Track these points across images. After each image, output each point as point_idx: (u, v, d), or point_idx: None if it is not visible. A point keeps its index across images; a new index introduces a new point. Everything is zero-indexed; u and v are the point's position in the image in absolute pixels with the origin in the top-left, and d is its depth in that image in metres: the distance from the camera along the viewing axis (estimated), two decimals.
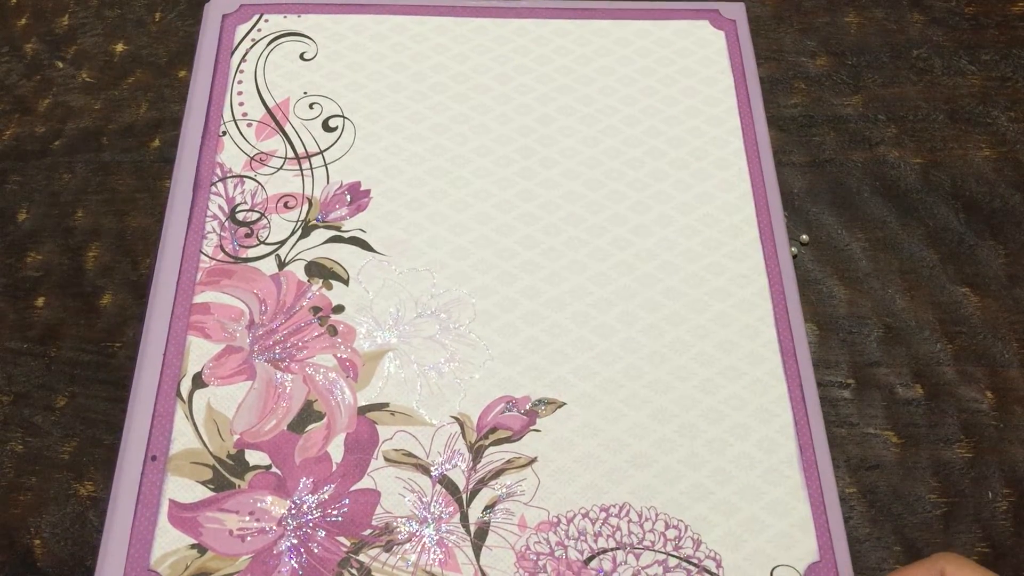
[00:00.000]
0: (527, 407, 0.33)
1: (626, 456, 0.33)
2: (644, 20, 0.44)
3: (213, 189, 0.38)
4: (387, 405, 0.33)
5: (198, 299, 0.35)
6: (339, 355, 0.34)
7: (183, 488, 0.31)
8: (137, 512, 0.30)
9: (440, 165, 0.38)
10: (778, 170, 0.48)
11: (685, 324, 0.35)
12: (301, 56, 0.42)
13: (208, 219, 0.37)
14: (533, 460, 0.32)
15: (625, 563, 0.30)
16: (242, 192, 0.38)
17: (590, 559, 0.31)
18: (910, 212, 0.48)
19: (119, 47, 0.58)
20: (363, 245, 0.36)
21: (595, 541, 0.31)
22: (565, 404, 0.33)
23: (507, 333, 0.34)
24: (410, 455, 0.32)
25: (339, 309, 0.35)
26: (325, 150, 0.39)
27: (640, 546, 0.31)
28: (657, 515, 0.32)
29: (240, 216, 0.37)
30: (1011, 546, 0.40)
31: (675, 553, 0.31)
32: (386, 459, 0.32)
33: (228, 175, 0.38)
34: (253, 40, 0.42)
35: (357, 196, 0.38)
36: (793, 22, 0.55)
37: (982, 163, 0.49)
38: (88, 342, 0.46)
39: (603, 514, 0.31)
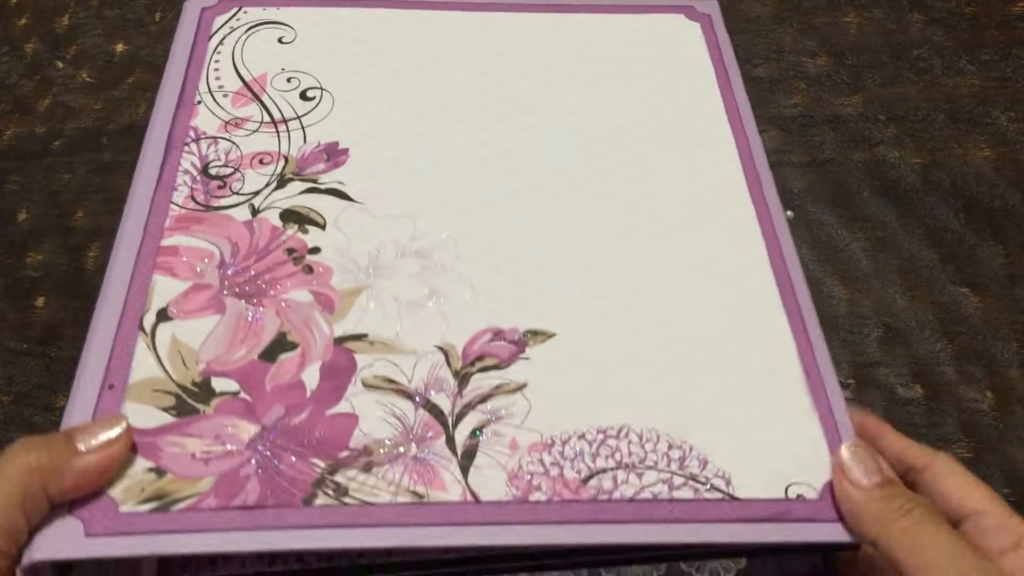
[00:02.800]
0: (516, 338, 0.32)
1: (622, 382, 0.32)
2: (619, 13, 0.44)
3: (186, 149, 0.37)
4: (366, 336, 0.32)
5: (166, 242, 0.34)
6: (315, 291, 0.33)
7: (143, 414, 0.29)
8: None
9: (420, 128, 0.38)
10: (778, 170, 0.48)
11: (678, 261, 0.35)
12: (279, 40, 0.41)
13: (180, 174, 0.36)
14: (523, 385, 0.31)
15: (627, 483, 0.29)
16: (216, 151, 0.37)
17: (588, 478, 0.29)
18: (910, 212, 0.48)
19: (119, 47, 0.58)
20: (341, 196, 0.36)
21: (593, 461, 0.30)
22: (555, 335, 0.32)
23: (492, 272, 0.34)
24: (391, 381, 0.31)
25: (315, 251, 0.34)
26: (303, 115, 0.38)
27: (642, 466, 0.30)
28: (659, 436, 0.30)
29: (213, 171, 0.36)
30: None
31: (681, 472, 0.30)
32: (364, 384, 0.30)
33: (202, 136, 0.37)
34: (232, 28, 0.42)
35: (335, 154, 0.37)
36: (793, 22, 0.55)
37: (982, 163, 0.49)
38: None
39: (600, 436, 0.30)
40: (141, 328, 0.31)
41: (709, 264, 0.35)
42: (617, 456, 0.30)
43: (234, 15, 0.42)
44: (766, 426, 0.31)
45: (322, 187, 0.36)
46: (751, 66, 0.54)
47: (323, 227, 0.34)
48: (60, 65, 0.58)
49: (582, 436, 0.30)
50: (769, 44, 0.54)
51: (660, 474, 0.30)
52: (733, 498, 0.29)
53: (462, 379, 0.31)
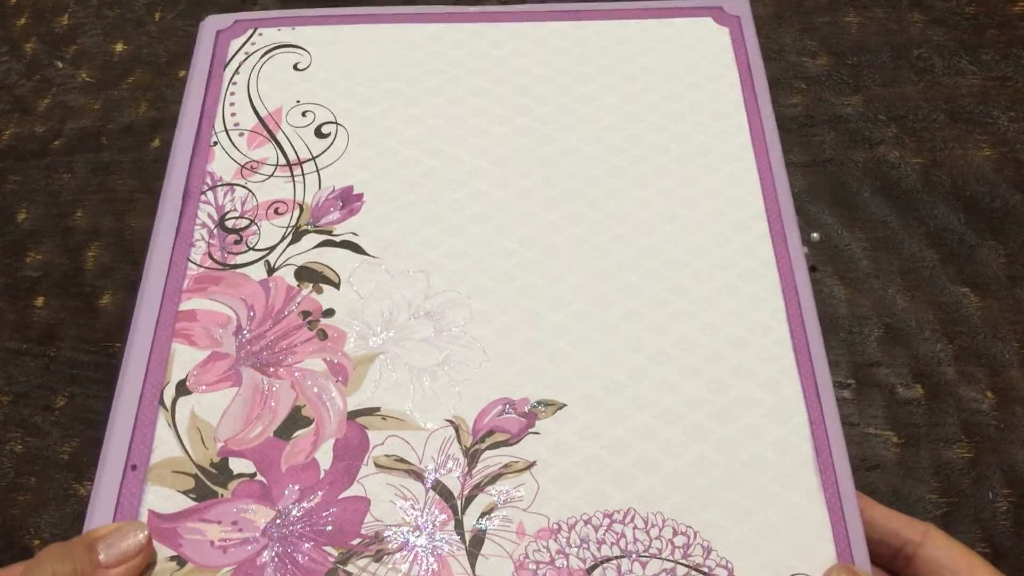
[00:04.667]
0: (526, 409, 0.32)
1: (631, 459, 0.31)
2: (645, 19, 0.43)
3: (203, 198, 0.37)
4: (378, 409, 0.32)
5: (184, 306, 0.34)
6: (328, 359, 0.33)
7: (164, 498, 0.29)
8: (116, 520, 0.29)
9: (435, 167, 0.38)
10: None
11: (692, 321, 0.34)
12: (295, 67, 0.41)
13: (197, 227, 0.36)
14: (532, 464, 0.31)
15: (631, 572, 0.29)
16: (232, 200, 0.37)
17: (593, 568, 0.29)
18: (910, 212, 0.48)
19: (119, 47, 0.58)
20: (355, 248, 0.35)
21: (598, 549, 0.29)
22: (565, 405, 0.32)
23: (504, 333, 0.33)
24: (402, 460, 0.30)
25: (329, 313, 0.34)
26: (317, 156, 0.38)
27: (646, 554, 0.29)
28: (664, 521, 0.30)
29: (229, 224, 0.36)
30: (1011, 546, 0.40)
31: (684, 561, 0.29)
32: (377, 465, 0.30)
33: (218, 183, 0.37)
34: (247, 53, 0.41)
35: (349, 200, 0.37)
36: (794, 22, 0.55)
37: (982, 163, 0.49)
38: (87, 342, 0.46)
39: (607, 520, 0.30)
40: (162, 403, 0.31)
41: (723, 330, 0.34)
42: (622, 543, 0.30)
43: (249, 38, 0.42)
44: (771, 508, 0.31)
45: (336, 239, 0.35)
46: None
47: (337, 286, 0.34)
48: (60, 65, 0.58)
49: (588, 521, 0.30)
50: (769, 44, 0.54)
51: (664, 564, 0.29)
52: None
53: (472, 456, 0.31)
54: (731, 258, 0.36)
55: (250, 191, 0.37)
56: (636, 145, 0.39)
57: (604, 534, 0.30)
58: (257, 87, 0.40)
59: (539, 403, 0.32)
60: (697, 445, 0.32)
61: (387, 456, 0.31)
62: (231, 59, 0.41)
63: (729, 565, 0.30)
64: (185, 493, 0.29)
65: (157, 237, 0.35)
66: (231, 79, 0.40)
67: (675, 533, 0.30)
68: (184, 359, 0.32)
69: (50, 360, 0.46)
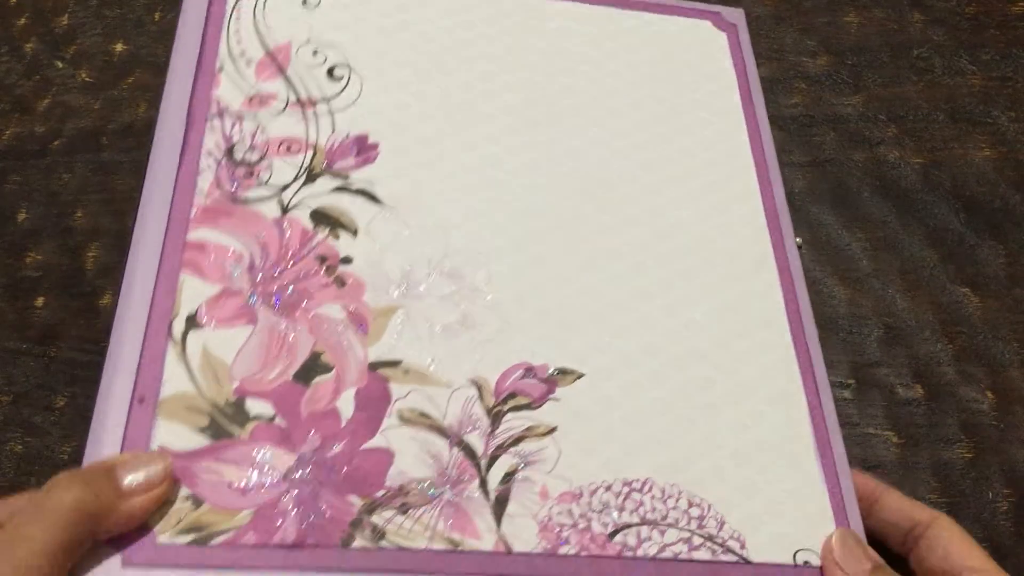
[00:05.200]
0: (546, 375, 0.32)
1: (647, 431, 0.32)
2: (649, 12, 0.43)
3: (208, 125, 0.34)
4: (400, 363, 0.31)
5: (192, 236, 0.31)
6: (348, 307, 0.31)
7: (176, 434, 0.27)
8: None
9: (449, 127, 0.37)
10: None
11: (699, 306, 0.35)
12: (303, 3, 0.38)
13: (204, 156, 0.33)
14: (553, 429, 0.31)
15: (650, 539, 0.30)
16: (240, 132, 0.34)
17: (614, 533, 0.29)
18: (910, 212, 0.48)
19: (119, 47, 0.58)
20: (371, 198, 0.34)
21: (619, 515, 0.30)
22: (583, 375, 0.32)
23: (523, 299, 0.33)
24: (425, 416, 0.30)
25: (347, 260, 0.32)
26: (330, 99, 0.36)
27: (664, 523, 0.30)
28: (680, 493, 0.31)
29: (238, 156, 0.33)
30: (1011, 546, 0.40)
31: (699, 532, 0.30)
32: (400, 418, 0.30)
33: (225, 111, 0.34)
34: None
35: (364, 149, 0.35)
36: (793, 22, 0.55)
37: (982, 163, 0.49)
38: (88, 342, 0.46)
39: (626, 488, 0.30)
40: (170, 335, 0.29)
41: (727, 313, 0.35)
42: (641, 511, 0.30)
43: None
44: (778, 488, 0.32)
45: (352, 187, 0.34)
46: None
47: (354, 234, 0.33)
48: (59, 65, 0.58)
49: (608, 488, 0.30)
50: (769, 44, 0.54)
51: (680, 532, 0.30)
52: (747, 561, 0.30)
53: (495, 417, 0.30)
54: (733, 248, 0.37)
55: (260, 124, 0.34)
56: (641, 132, 0.39)
57: (624, 501, 0.30)
58: (264, 18, 0.38)
59: (558, 371, 0.32)
60: (708, 423, 0.32)
61: (411, 410, 0.30)
62: None
63: (741, 538, 0.30)
64: (200, 431, 0.28)
65: (157, 163, 0.32)
66: (234, 6, 0.37)
67: (690, 505, 0.31)
68: (193, 292, 0.30)
69: (50, 360, 0.46)
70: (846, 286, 0.46)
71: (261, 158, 0.34)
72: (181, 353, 0.29)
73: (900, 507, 0.34)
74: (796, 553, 0.31)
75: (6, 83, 0.57)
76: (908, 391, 0.43)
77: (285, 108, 0.35)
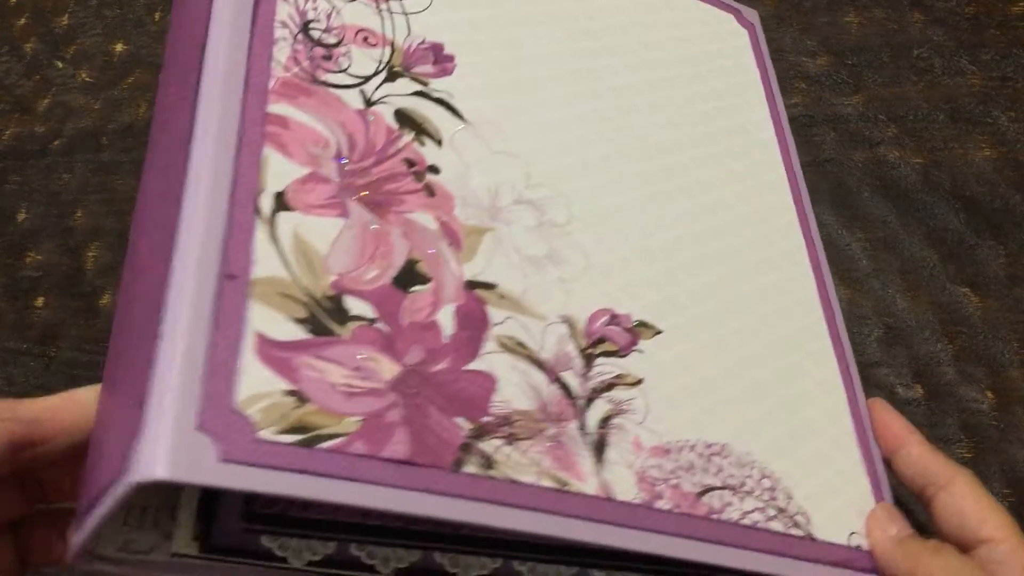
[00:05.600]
0: (630, 325, 0.31)
1: (722, 396, 0.31)
2: None
3: None
4: (496, 286, 0.28)
5: (273, 109, 0.27)
6: (440, 218, 0.29)
7: (272, 322, 0.24)
8: (215, 339, 0.22)
9: (526, 55, 0.35)
10: None
11: (744, 288, 0.35)
12: None
13: (277, 26, 0.29)
14: (640, 381, 0.30)
15: (731, 504, 0.29)
16: (315, 9, 0.31)
17: (702, 494, 0.29)
18: (910, 212, 0.48)
19: (119, 47, 0.58)
20: (452, 111, 0.31)
21: (704, 476, 0.29)
22: (662, 332, 0.31)
23: (603, 245, 0.32)
24: (523, 346, 0.28)
25: (434, 170, 0.30)
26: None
27: (743, 490, 0.30)
28: (754, 462, 0.31)
29: (315, 35, 0.30)
30: None
31: (772, 503, 0.30)
32: (500, 344, 0.27)
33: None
34: None
35: (441, 58, 0.32)
36: (793, 22, 0.55)
37: (982, 163, 0.49)
38: (88, 342, 0.46)
39: (707, 451, 0.30)
40: (257, 212, 0.25)
41: (769, 296, 0.36)
42: (722, 476, 0.30)
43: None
44: (829, 469, 0.32)
45: (432, 94, 0.31)
46: None
47: (439, 143, 0.30)
48: (60, 65, 0.58)
49: (692, 448, 0.30)
50: (770, 43, 0.54)
51: (756, 501, 0.30)
52: (813, 539, 0.30)
53: (587, 359, 0.29)
54: (767, 236, 0.37)
55: (335, 7, 0.31)
56: (677, 111, 0.39)
57: (707, 464, 0.30)
58: None
59: (639, 323, 0.31)
60: (770, 399, 0.32)
61: (508, 338, 0.28)
62: None
63: (807, 514, 0.30)
64: (297, 322, 0.24)
65: (222, 30, 0.28)
66: None
67: (763, 476, 0.30)
68: (279, 169, 0.27)
69: (50, 360, 0.46)
70: (846, 286, 0.46)
71: (339, 42, 0.30)
72: (271, 233, 0.25)
73: (919, 461, 0.32)
74: (851, 535, 0.31)
75: (6, 83, 0.57)
76: (908, 391, 0.43)
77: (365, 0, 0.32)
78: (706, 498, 0.29)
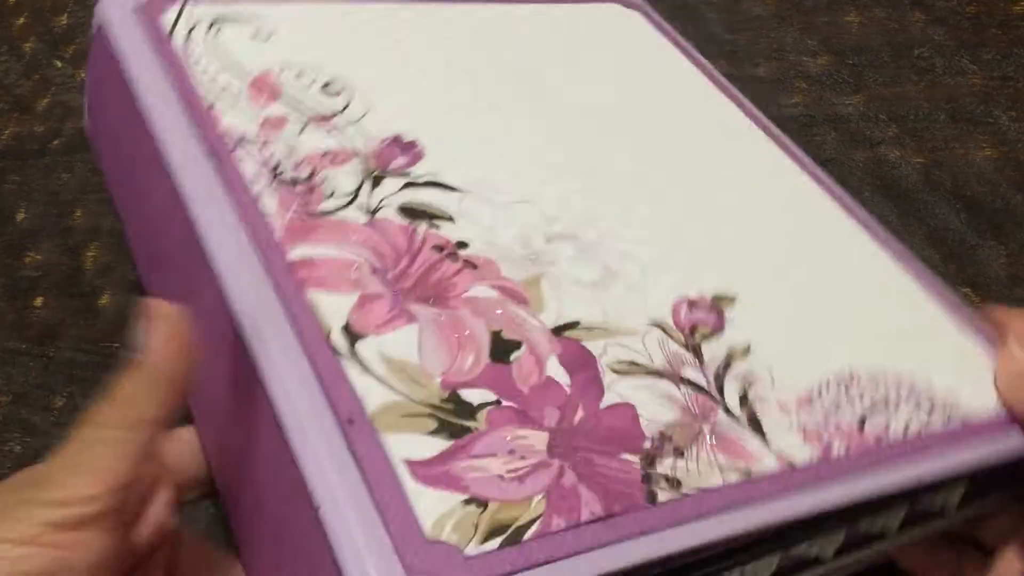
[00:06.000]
0: (708, 304, 0.31)
1: (820, 329, 0.32)
2: (552, 2, 0.43)
3: (235, 155, 0.30)
4: (578, 323, 0.29)
5: (293, 255, 0.27)
6: (496, 285, 0.29)
7: (412, 445, 0.24)
8: (372, 486, 0.22)
9: (471, 117, 0.36)
10: None
11: (777, 226, 0.37)
12: (254, 37, 0.36)
13: (249, 185, 0.30)
14: (748, 347, 0.30)
15: (890, 424, 0.29)
16: (271, 154, 0.31)
17: (862, 423, 0.29)
18: (911, 212, 0.48)
19: None
20: (446, 187, 0.32)
21: (852, 409, 0.29)
22: (736, 297, 0.32)
23: (641, 244, 0.32)
24: (635, 364, 0.28)
25: (463, 245, 0.30)
26: (342, 111, 0.33)
27: (891, 404, 0.30)
28: (885, 373, 0.31)
29: (287, 176, 0.30)
30: None
31: (920, 406, 0.30)
32: (614, 372, 0.28)
33: (243, 139, 0.31)
34: (188, 25, 0.35)
35: (406, 148, 0.33)
36: (794, 21, 0.55)
37: (983, 163, 0.49)
38: (87, 342, 0.46)
39: (841, 384, 0.30)
40: (336, 352, 0.26)
41: (798, 224, 0.37)
42: (865, 400, 0.30)
43: (179, 14, 0.35)
44: (947, 356, 0.33)
45: (419, 181, 0.32)
46: (752, 65, 0.54)
47: (452, 220, 0.31)
48: (59, 64, 0.57)
49: (827, 386, 0.30)
50: (770, 43, 0.54)
51: (907, 409, 0.30)
52: (969, 423, 0.30)
53: (694, 351, 0.29)
54: (778, 185, 0.39)
55: (288, 145, 0.31)
56: (635, 108, 0.40)
57: (846, 394, 0.30)
58: (224, 53, 0.34)
59: (714, 297, 0.32)
60: (859, 314, 0.33)
61: (618, 363, 0.28)
62: (171, 32, 0.34)
63: (954, 402, 0.31)
64: (433, 434, 0.24)
65: (203, 211, 0.28)
66: (184, 50, 0.34)
67: (898, 383, 0.31)
68: (331, 307, 0.26)
69: (49, 360, 0.46)
70: None
71: (312, 174, 0.31)
72: (361, 367, 0.26)
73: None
74: (994, 404, 0.31)
75: (5, 82, 0.57)
76: None
77: (305, 127, 0.33)
78: (868, 428, 0.29)
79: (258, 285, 0.27)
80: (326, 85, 0.35)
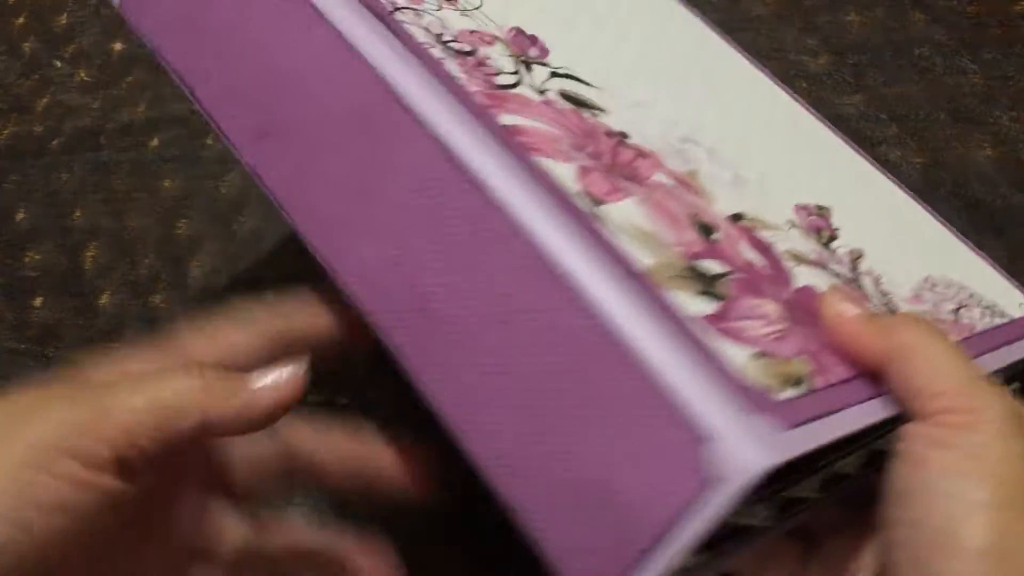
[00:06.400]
0: (815, 212, 0.33)
1: (904, 239, 0.35)
2: None
3: (395, 16, 0.29)
4: (743, 215, 0.30)
5: (505, 121, 0.26)
6: (668, 172, 0.29)
7: (692, 302, 0.24)
8: (679, 338, 0.23)
9: (589, 20, 0.36)
10: None
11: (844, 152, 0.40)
12: None
13: (423, 44, 0.28)
14: (861, 252, 0.32)
15: (972, 318, 0.32)
16: (429, 25, 0.29)
17: (956, 316, 0.32)
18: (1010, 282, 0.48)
19: (117, 46, 0.58)
20: (582, 82, 0.31)
21: (944, 305, 0.32)
22: (831, 207, 0.33)
23: (748, 159, 0.34)
24: (800, 255, 0.30)
25: (624, 135, 0.30)
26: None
27: (965, 304, 0.33)
28: (951, 280, 0.34)
29: (453, 46, 0.29)
30: None
31: (982, 305, 0.33)
32: (792, 258, 0.29)
33: (398, 7, 0.29)
34: None
35: (532, 40, 0.32)
36: (794, 20, 0.55)
37: (984, 162, 0.49)
38: (87, 342, 0.46)
39: (926, 284, 0.32)
40: (591, 213, 0.25)
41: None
42: (950, 301, 0.32)
43: None
44: (977, 270, 0.36)
45: (560, 72, 0.31)
46: None
47: (604, 111, 0.30)
48: (58, 64, 0.57)
49: (923, 286, 0.32)
50: (770, 43, 0.54)
51: (979, 309, 0.33)
52: (1015, 319, 0.33)
53: (829, 250, 0.31)
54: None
55: (437, 19, 0.30)
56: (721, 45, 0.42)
57: (937, 295, 0.32)
58: None
59: (817, 207, 0.33)
60: (918, 233, 0.37)
61: (788, 253, 0.29)
62: None
63: (1000, 303, 0.34)
64: (702, 296, 0.24)
65: (389, 54, 0.27)
66: None
67: (960, 288, 0.34)
68: (558, 172, 0.26)
69: (49, 360, 0.46)
70: None
71: (473, 49, 0.29)
72: (616, 226, 0.25)
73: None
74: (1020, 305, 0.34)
75: (4, 82, 0.57)
76: None
77: (440, 6, 0.31)
78: (961, 319, 0.31)
79: (487, 144, 0.25)
80: None
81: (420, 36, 0.29)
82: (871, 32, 0.54)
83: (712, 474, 0.20)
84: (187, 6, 0.33)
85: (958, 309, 0.32)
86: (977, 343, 0.30)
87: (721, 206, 0.29)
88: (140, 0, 0.36)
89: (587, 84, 0.31)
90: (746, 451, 0.20)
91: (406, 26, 0.29)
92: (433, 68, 0.27)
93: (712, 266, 0.26)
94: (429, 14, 0.30)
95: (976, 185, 0.49)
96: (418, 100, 0.26)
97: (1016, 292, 0.36)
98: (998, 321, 0.32)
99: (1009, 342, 0.31)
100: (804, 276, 0.28)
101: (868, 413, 0.24)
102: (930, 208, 0.39)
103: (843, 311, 0.26)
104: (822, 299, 0.27)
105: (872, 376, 0.25)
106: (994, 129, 0.50)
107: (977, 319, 0.32)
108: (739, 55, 0.41)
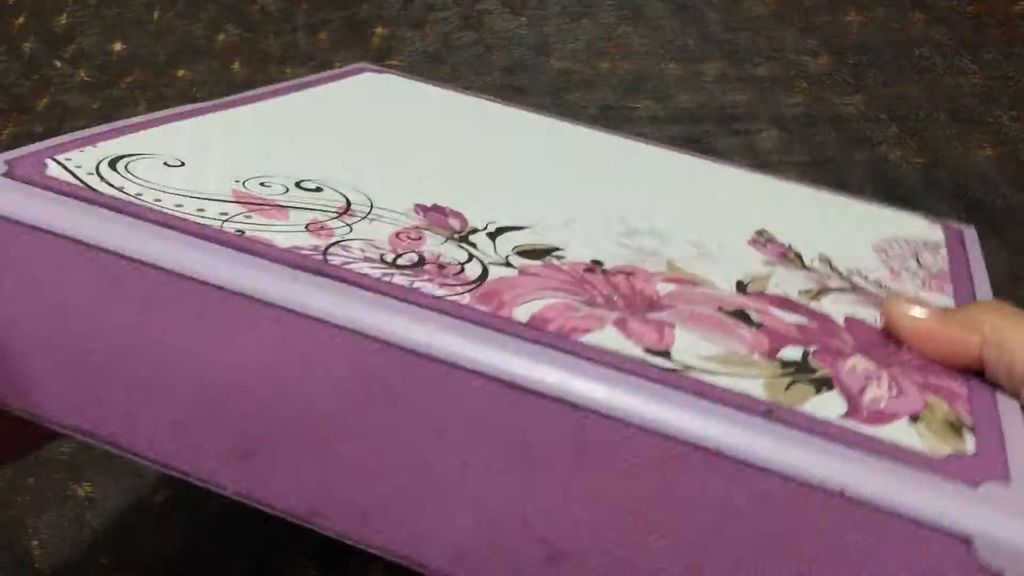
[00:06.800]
0: (761, 237, 0.34)
1: (846, 239, 0.37)
2: (306, 89, 0.40)
3: (325, 258, 0.26)
4: (743, 283, 0.31)
5: (519, 315, 0.25)
6: (663, 279, 0.30)
7: (817, 405, 0.24)
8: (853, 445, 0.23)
9: (455, 175, 0.35)
10: (779, 169, 0.48)
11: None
12: (165, 164, 0.31)
13: (378, 278, 0.26)
14: (827, 257, 0.34)
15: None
16: (353, 250, 0.27)
17: (917, 260, 0.35)
18: (912, 212, 0.48)
19: (117, 46, 0.58)
20: (514, 229, 0.31)
21: (911, 263, 0.34)
22: (763, 227, 0.35)
23: (668, 220, 0.35)
24: (807, 290, 0.31)
25: (596, 263, 0.30)
26: (350, 208, 0.30)
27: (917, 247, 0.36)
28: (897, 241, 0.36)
29: (399, 261, 0.27)
30: None
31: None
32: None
33: (297, 248, 0.26)
34: (82, 168, 0.30)
35: (438, 210, 0.31)
36: (794, 21, 0.55)
37: (984, 162, 0.49)
38: None
39: (884, 254, 0.35)
40: (667, 371, 0.24)
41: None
42: (907, 258, 0.35)
43: (69, 159, 0.30)
44: (886, 216, 0.39)
45: (493, 231, 0.30)
46: (752, 65, 0.54)
47: (561, 248, 0.30)
48: (58, 64, 0.57)
49: (883, 261, 0.34)
50: (770, 43, 0.54)
51: (924, 248, 0.36)
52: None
53: (815, 269, 0.33)
54: None
55: (345, 241, 0.28)
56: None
57: (894, 261, 0.34)
58: (150, 181, 0.30)
59: (757, 232, 0.34)
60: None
61: (799, 292, 0.30)
62: (73, 178, 0.28)
63: None
64: (817, 391, 0.24)
65: (359, 316, 0.24)
66: (113, 187, 0.28)
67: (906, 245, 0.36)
68: (600, 342, 0.25)
69: None
70: None
71: (419, 255, 0.28)
72: (697, 372, 0.25)
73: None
74: None
75: (4, 82, 0.57)
76: None
77: (348, 227, 0.29)
78: (926, 266, 0.36)
79: (550, 358, 0.23)
80: (300, 183, 0.31)
81: (369, 270, 0.26)
82: (871, 32, 0.54)
83: (995, 566, 0.20)
84: (67, 346, 0.26)
85: (916, 258, 0.34)
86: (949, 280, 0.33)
87: (721, 284, 0.29)
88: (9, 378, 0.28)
89: (522, 228, 0.30)
90: (1010, 526, 0.20)
91: (350, 267, 0.26)
92: (430, 305, 0.24)
93: (790, 353, 0.25)
94: (352, 240, 0.27)
95: (976, 185, 0.49)
96: (441, 350, 0.24)
97: (920, 218, 0.39)
98: (943, 252, 0.35)
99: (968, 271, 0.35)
100: (830, 309, 0.28)
101: None
102: (794, 177, 0.41)
103: (917, 316, 0.25)
104: (890, 316, 0.26)
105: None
106: (994, 129, 0.50)
107: (931, 262, 0.34)
108: (589, 129, 0.42)
